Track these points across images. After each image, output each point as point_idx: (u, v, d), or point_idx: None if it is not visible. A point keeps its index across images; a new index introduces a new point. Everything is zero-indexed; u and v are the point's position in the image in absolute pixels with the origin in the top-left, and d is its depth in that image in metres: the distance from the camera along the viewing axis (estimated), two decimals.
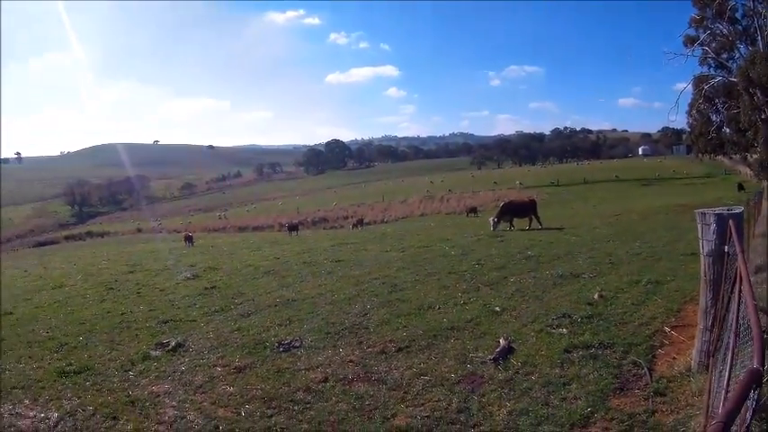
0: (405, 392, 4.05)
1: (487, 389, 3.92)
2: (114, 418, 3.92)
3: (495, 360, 4.28)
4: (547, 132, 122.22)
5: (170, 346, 5.64)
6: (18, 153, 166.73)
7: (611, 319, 5.25)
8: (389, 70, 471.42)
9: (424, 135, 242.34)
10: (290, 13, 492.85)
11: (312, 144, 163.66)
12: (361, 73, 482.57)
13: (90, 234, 52.22)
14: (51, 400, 4.40)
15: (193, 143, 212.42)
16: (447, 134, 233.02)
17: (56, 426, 3.92)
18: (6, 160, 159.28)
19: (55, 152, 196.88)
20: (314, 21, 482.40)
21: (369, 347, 5.08)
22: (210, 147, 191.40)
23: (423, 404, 3.82)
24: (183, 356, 5.34)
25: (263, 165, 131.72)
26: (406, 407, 3.81)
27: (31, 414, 4.14)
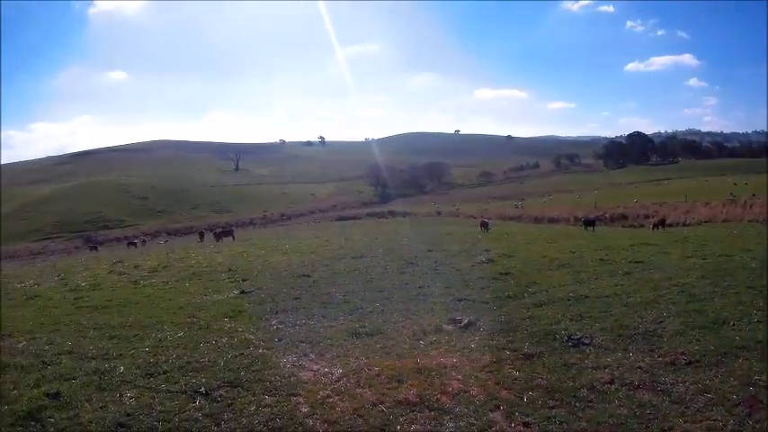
0: (685, 407, 6.96)
1: (764, 415, 6.57)
2: (399, 380, 7.93)
3: None
4: None
5: (462, 323, 10.63)
6: (321, 137, 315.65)
7: None
8: (688, 59, 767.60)
9: (727, 131, 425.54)
10: (583, 2, 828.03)
11: (613, 136, 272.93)
12: (661, 62, 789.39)
13: (392, 213, 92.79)
14: (338, 357, 9.06)
15: (493, 133, 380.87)
16: (750, 131, 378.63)
17: (338, 380, 8.11)
18: (310, 143, 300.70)
19: (359, 138, 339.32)
20: (608, 8, 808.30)
21: (659, 356, 8.53)
22: (509, 137, 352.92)
23: (700, 421, 6.62)
24: (473, 335, 10.10)
25: (561, 156, 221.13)
26: (684, 422, 6.65)
27: (315, 368, 8.64)
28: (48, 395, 7.66)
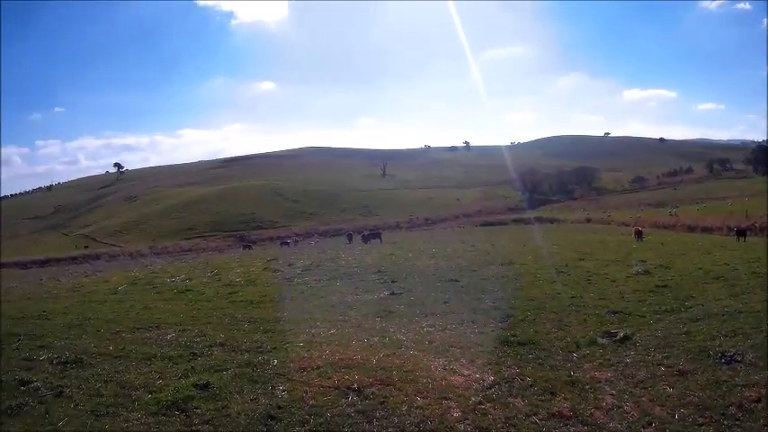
0: None
1: None
2: (552, 393, 7.79)
3: None
4: None
5: (617, 337, 10.31)
6: (466, 142, 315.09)
7: None
8: None
9: None
10: (719, 1, 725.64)
11: (761, 139, 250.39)
12: None
13: (539, 219, 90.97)
14: (489, 364, 8.92)
15: (643, 135, 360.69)
16: None
17: (489, 388, 8.01)
18: (455, 148, 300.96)
19: (505, 142, 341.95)
20: (745, 6, 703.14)
21: None
22: (661, 140, 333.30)
23: None
24: (629, 349, 9.80)
25: (713, 161, 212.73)
26: None
27: (466, 373, 8.58)
28: (196, 386, 7.99)
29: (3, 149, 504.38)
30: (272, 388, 7.95)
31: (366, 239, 48.24)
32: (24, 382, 8.46)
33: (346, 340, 10.35)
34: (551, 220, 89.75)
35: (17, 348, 11.03)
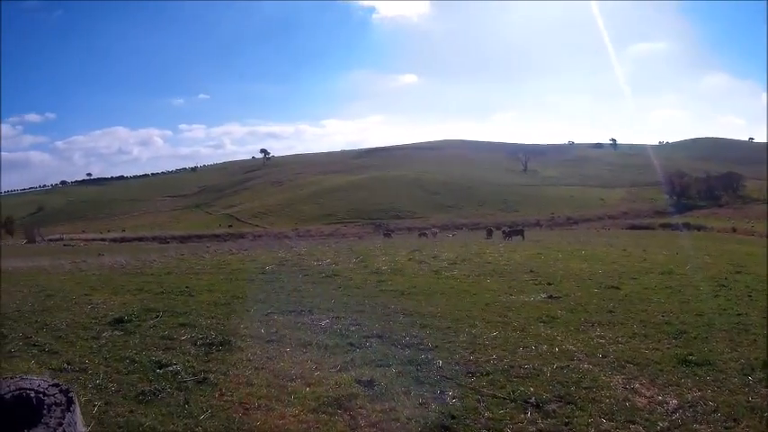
0: None
1: None
2: (735, 420, 6.70)
3: None
4: None
5: None
6: (613, 139, 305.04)
7: None
8: None
9: None
10: None
11: None
12: None
13: (687, 225, 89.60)
14: (669, 385, 7.62)
15: None
16: None
17: (674, 412, 6.77)
18: (600, 145, 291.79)
19: (652, 141, 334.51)
20: None
21: None
22: None
23: None
24: None
25: None
26: None
27: (648, 394, 7.55)
28: (359, 382, 7.30)
29: (144, 131, 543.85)
30: (441, 393, 7.11)
31: (508, 236, 47.18)
32: (162, 365, 8.09)
33: (512, 345, 9.34)
34: (698, 227, 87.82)
35: (155, 326, 10.80)
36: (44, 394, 2.32)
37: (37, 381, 2.29)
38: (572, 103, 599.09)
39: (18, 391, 2.32)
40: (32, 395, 2.31)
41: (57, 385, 2.35)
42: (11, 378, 2.21)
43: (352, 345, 9.05)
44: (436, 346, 9.07)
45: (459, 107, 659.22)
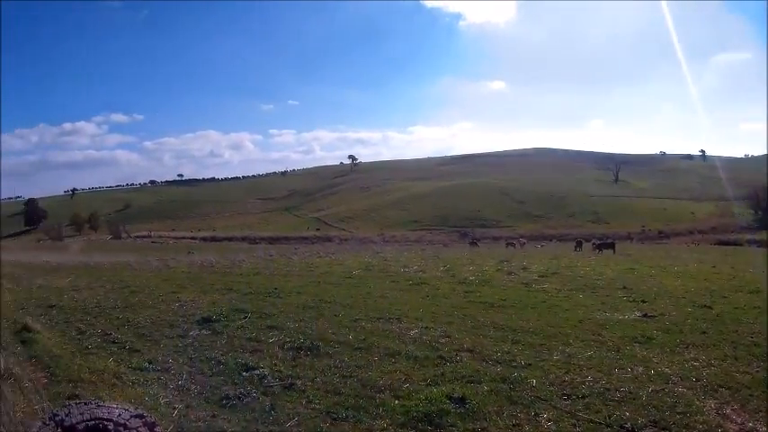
0: None
1: None
2: None
3: None
4: None
5: None
6: (702, 150, 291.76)
7: None
8: None
9: None
10: None
11: None
12: None
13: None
14: (760, 411, 7.02)
15: None
16: None
17: None
18: (690, 156, 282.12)
19: (739, 154, 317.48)
20: None
21: None
22: None
23: None
24: None
25: None
26: None
27: (739, 420, 6.90)
28: (450, 398, 6.92)
29: (236, 135, 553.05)
30: (536, 415, 6.72)
31: (599, 248, 45.84)
32: (248, 368, 7.98)
33: (607, 367, 8.84)
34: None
35: (243, 327, 10.75)
36: (125, 427, 1.96)
37: (117, 409, 1.97)
38: (662, 111, 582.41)
39: (93, 422, 1.98)
40: (110, 427, 1.95)
41: (140, 416, 2.02)
42: (85, 404, 1.91)
43: (442, 358, 8.73)
44: (529, 364, 8.72)
45: (547, 114, 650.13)
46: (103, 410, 1.96)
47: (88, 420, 1.92)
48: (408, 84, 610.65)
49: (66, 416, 2.16)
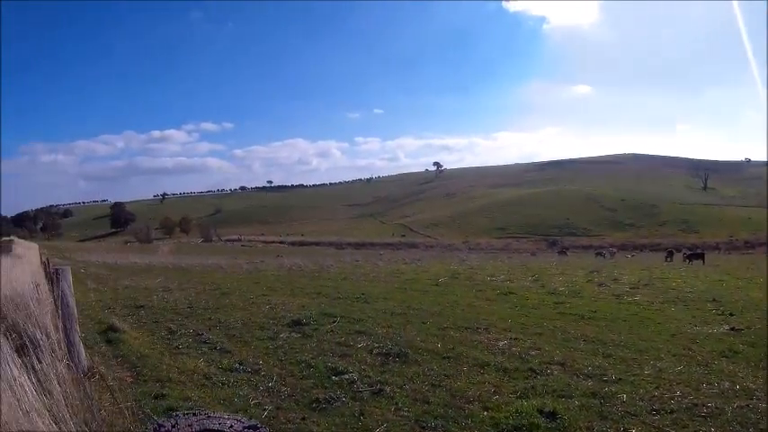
0: None
1: None
2: None
3: None
4: None
5: None
6: None
7: None
8: None
9: None
10: None
11: None
12: None
13: None
14: None
15: None
16: None
17: None
18: None
19: None
20: None
21: None
22: None
23: None
24: None
25: None
26: None
27: None
28: (541, 412, 6.78)
29: (323, 143, 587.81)
30: (625, 430, 6.57)
31: (689, 259, 44.36)
32: (338, 372, 7.99)
33: (696, 382, 8.55)
34: None
35: (332, 331, 10.81)
36: None
37: (228, 420, 1.92)
38: (746, 116, 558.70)
39: None
40: None
41: (254, 428, 1.96)
42: (193, 414, 1.87)
43: (532, 370, 8.57)
44: (620, 379, 8.48)
45: (636, 119, 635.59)
46: (214, 421, 1.89)
47: None
48: (494, 89, 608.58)
49: (173, 427, 2.10)
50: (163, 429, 2.16)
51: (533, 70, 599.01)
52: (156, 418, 4.81)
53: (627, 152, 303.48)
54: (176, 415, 2.35)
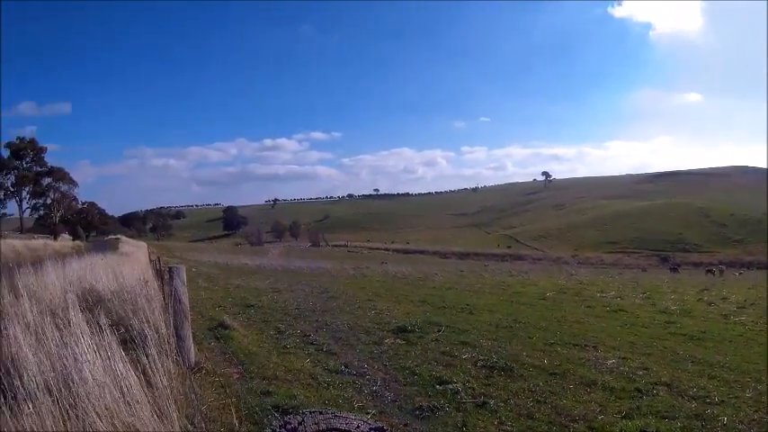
0: None
1: None
2: None
3: None
4: None
5: None
6: None
7: None
8: None
9: None
10: None
11: None
12: None
13: None
14: None
15: None
16: None
17: None
18: None
19: None
20: None
21: None
22: None
23: None
24: None
25: None
26: None
27: None
28: None
29: (429, 152, 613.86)
30: None
31: None
32: (442, 381, 8.00)
33: None
34: None
35: (437, 340, 10.83)
36: None
37: (355, 420, 2.00)
38: None
39: None
40: None
41: (381, 430, 2.02)
42: (320, 413, 1.94)
43: (639, 391, 8.39)
44: (722, 401, 8.25)
45: (748, 129, 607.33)
46: (341, 421, 1.98)
47: (324, 431, 1.94)
48: (603, 97, 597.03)
49: (300, 424, 2.18)
50: (289, 426, 2.25)
51: (643, 78, 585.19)
52: (277, 415, 4.97)
53: (738, 164, 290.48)
54: (303, 412, 2.42)
